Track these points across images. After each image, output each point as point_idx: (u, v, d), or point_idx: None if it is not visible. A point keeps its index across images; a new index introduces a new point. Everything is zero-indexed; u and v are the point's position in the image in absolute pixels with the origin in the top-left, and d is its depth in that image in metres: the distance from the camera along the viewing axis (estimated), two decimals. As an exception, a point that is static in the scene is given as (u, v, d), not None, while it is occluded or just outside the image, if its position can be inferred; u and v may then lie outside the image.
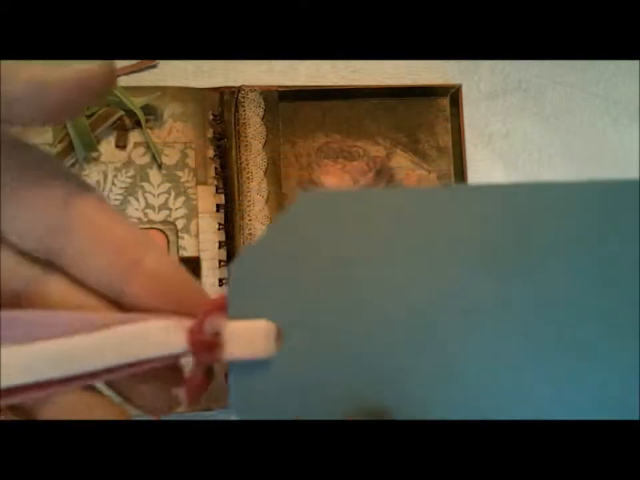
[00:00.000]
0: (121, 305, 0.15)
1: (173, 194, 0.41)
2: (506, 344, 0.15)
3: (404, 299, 0.15)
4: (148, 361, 0.15)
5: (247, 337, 0.15)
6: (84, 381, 0.15)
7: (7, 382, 0.14)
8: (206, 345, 0.15)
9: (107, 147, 0.41)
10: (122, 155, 0.41)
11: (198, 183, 0.42)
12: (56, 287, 0.15)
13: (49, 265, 0.15)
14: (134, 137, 0.41)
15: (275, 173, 0.43)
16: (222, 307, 0.15)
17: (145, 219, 0.41)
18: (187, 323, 0.15)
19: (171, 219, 0.41)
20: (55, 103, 0.13)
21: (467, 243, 0.15)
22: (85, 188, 0.15)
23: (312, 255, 0.15)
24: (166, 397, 0.16)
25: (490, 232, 0.15)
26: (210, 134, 0.42)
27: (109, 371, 0.15)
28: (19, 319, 0.14)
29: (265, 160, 0.43)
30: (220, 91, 0.43)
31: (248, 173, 0.42)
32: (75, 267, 0.15)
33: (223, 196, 0.42)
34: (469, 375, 0.15)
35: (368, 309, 0.15)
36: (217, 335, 0.15)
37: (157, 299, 0.15)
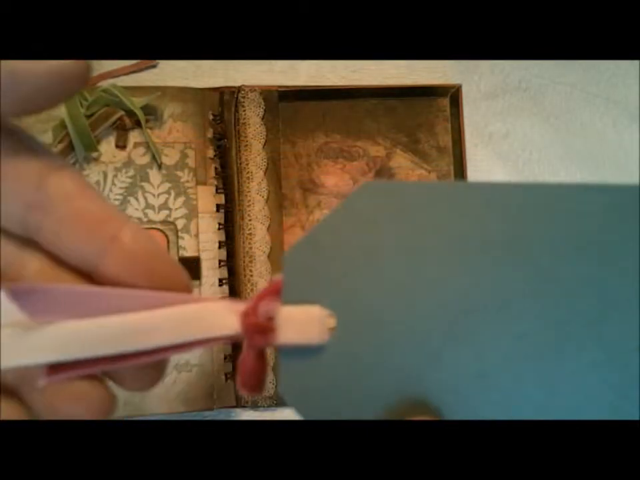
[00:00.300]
0: (98, 282, 0.15)
1: (172, 194, 0.41)
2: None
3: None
4: (200, 341, 0.15)
5: (300, 323, 0.15)
6: (136, 359, 0.14)
7: (57, 357, 0.14)
8: (259, 328, 0.15)
9: (107, 147, 0.41)
10: (122, 155, 0.41)
11: (198, 183, 0.42)
12: (34, 263, 0.15)
13: (26, 241, 0.15)
14: (134, 136, 0.41)
15: (275, 173, 0.43)
16: (276, 292, 0.15)
17: (145, 219, 0.41)
18: (241, 305, 0.15)
19: (170, 219, 0.41)
20: (26, 91, 0.13)
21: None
22: (60, 164, 0.15)
23: (368, 244, 0.15)
24: (146, 376, 0.16)
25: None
26: (210, 134, 0.42)
27: (161, 350, 0.14)
28: (69, 293, 0.14)
29: (265, 160, 0.43)
30: (220, 90, 0.43)
31: (248, 173, 0.42)
32: (53, 243, 0.15)
33: (223, 196, 0.42)
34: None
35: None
36: (270, 319, 0.15)
37: (132, 273, 0.15)
